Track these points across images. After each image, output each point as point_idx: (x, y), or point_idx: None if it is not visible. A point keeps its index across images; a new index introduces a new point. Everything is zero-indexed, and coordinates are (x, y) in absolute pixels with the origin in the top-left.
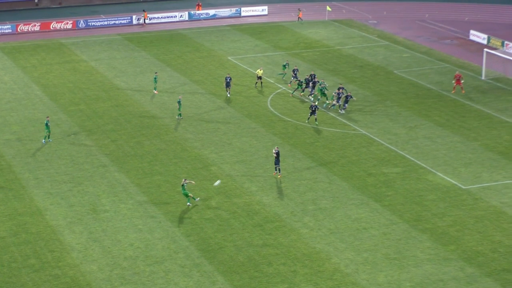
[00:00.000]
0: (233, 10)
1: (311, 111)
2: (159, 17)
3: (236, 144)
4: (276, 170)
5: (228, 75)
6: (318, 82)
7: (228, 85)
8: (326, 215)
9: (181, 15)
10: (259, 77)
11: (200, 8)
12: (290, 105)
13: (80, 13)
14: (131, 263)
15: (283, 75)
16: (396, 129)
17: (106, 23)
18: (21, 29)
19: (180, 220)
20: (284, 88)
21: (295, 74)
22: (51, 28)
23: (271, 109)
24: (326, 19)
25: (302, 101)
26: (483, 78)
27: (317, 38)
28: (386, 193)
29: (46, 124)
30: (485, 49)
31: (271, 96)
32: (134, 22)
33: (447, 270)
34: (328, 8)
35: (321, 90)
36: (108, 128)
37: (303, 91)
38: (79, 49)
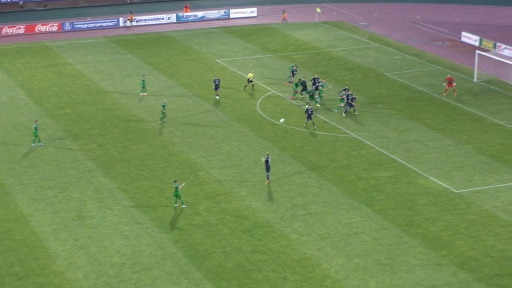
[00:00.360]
0: (222, 12)
1: (307, 115)
2: (146, 19)
3: (225, 148)
4: (268, 178)
5: (216, 78)
6: (321, 83)
7: (217, 87)
8: (317, 220)
9: (168, 17)
10: (250, 81)
11: (188, 10)
12: (279, 108)
13: (65, 16)
14: (117, 270)
15: (288, 78)
16: (387, 132)
17: (92, 25)
18: (5, 32)
19: (168, 226)
20: (273, 91)
21: (293, 75)
22: (36, 30)
23: (260, 112)
24: (316, 21)
25: (292, 105)
26: (475, 80)
27: (307, 40)
28: (377, 198)
29: (36, 128)
30: (477, 51)
31: (261, 99)
32: (121, 24)
33: (439, 276)
34: (318, 10)
35: (318, 88)
36: (94, 132)
37: (296, 93)
38: (64, 52)
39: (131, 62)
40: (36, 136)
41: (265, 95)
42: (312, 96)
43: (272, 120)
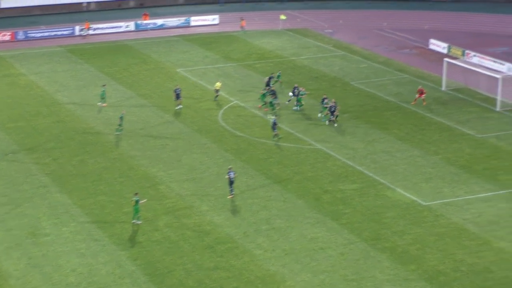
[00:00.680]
0: (182, 19)
1: (271, 126)
2: (103, 28)
3: (186, 161)
4: (231, 193)
5: (177, 87)
6: (300, 92)
7: (178, 97)
8: (281, 235)
9: (127, 25)
10: (217, 90)
11: (147, 17)
12: (242, 119)
13: (18, 24)
14: None
15: (278, 84)
16: (354, 143)
17: (46, 34)
18: None
19: (126, 243)
20: (236, 101)
21: (269, 83)
22: None
23: (223, 123)
24: (280, 28)
25: (255, 115)
26: (443, 89)
27: (271, 48)
28: (343, 211)
29: None
30: (446, 59)
31: (223, 109)
32: (77, 33)
33: None
34: (282, 17)
35: (298, 97)
36: (49, 146)
37: (265, 103)
38: (18, 62)
39: (87, 72)
40: None
41: (228, 105)
42: (272, 105)
43: (234, 131)
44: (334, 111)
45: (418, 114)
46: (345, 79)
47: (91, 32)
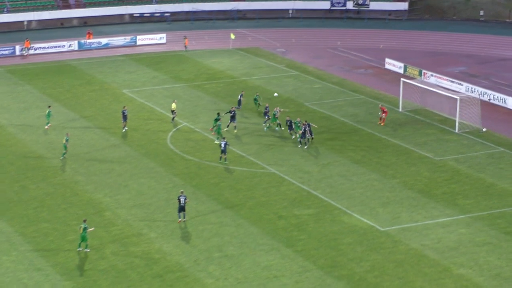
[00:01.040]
0: (128, 38)
1: (221, 149)
2: (45, 47)
3: (133, 186)
4: (180, 218)
5: (125, 108)
6: (274, 113)
7: (125, 118)
8: (233, 263)
9: (70, 45)
10: (173, 111)
11: (91, 36)
12: (192, 142)
13: None
14: None
15: (257, 106)
16: (308, 167)
17: None
18: None
19: (71, 272)
20: (185, 123)
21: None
22: None
23: (171, 146)
24: (231, 47)
25: (205, 139)
26: (400, 110)
27: (221, 68)
28: (298, 237)
29: None
30: (402, 79)
31: (171, 132)
32: (17, 52)
33: None
34: (232, 36)
35: (274, 115)
36: None
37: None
38: None
39: (29, 93)
40: None
41: (176, 128)
42: (218, 130)
43: (184, 155)
44: (308, 131)
45: (374, 136)
46: (299, 100)
47: (31, 51)
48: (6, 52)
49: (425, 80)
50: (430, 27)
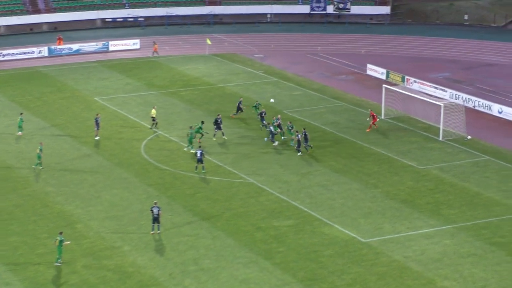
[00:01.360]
0: (100, 44)
1: (197, 158)
2: (14, 53)
3: (106, 197)
4: (153, 230)
5: (97, 115)
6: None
7: (98, 126)
8: (210, 276)
9: (39, 51)
10: (153, 118)
11: (62, 42)
12: (166, 151)
13: None
14: None
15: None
16: (287, 176)
17: None
18: None
19: (41, 287)
20: (160, 132)
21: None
22: None
23: (145, 156)
24: (207, 53)
25: (180, 147)
26: (382, 117)
27: (197, 74)
28: (277, 250)
29: None
30: (384, 85)
31: (145, 141)
32: None
33: None
34: (208, 41)
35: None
36: None
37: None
38: None
39: None
40: None
41: (150, 136)
42: (190, 139)
43: (158, 165)
44: (304, 139)
45: (356, 144)
46: (278, 107)
47: (0, 58)
48: None
49: (408, 86)
50: (413, 31)
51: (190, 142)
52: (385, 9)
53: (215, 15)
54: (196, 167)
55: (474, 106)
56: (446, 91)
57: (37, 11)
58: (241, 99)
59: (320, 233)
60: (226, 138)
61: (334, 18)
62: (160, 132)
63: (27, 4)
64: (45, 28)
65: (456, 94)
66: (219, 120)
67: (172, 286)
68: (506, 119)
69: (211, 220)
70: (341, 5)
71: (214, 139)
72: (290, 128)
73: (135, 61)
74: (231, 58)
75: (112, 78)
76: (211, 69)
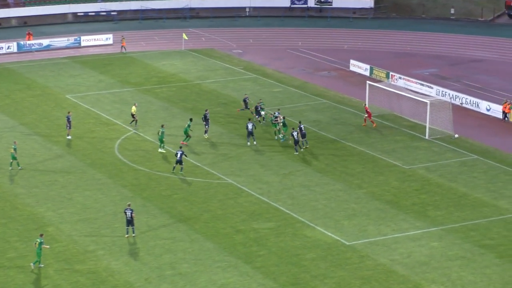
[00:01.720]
0: (72, 39)
1: (177, 159)
2: None
3: (78, 199)
4: (127, 233)
5: (69, 113)
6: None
7: (70, 125)
8: (187, 281)
9: (8, 46)
10: (133, 115)
11: (31, 37)
12: (142, 151)
13: None
14: None
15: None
16: (268, 177)
17: None
18: None
19: None
20: (134, 131)
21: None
22: None
23: (119, 156)
24: (183, 48)
25: (156, 147)
26: (366, 115)
27: (173, 71)
28: (257, 253)
29: None
30: (368, 82)
31: (119, 140)
32: None
33: None
34: (184, 36)
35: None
36: None
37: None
38: None
39: None
40: None
41: (125, 135)
42: (161, 138)
43: (133, 165)
44: (301, 134)
45: (339, 143)
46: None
47: None
48: None
49: (392, 83)
50: (397, 26)
51: (161, 142)
52: (369, 3)
53: (191, 9)
54: (174, 168)
55: (462, 103)
56: (432, 88)
57: (6, 5)
58: (247, 95)
59: (302, 235)
60: (206, 135)
61: (316, 12)
62: (134, 131)
63: None
64: (14, 22)
65: (442, 91)
66: (207, 116)
67: None
68: (494, 117)
69: (189, 223)
70: None
71: (206, 136)
72: (272, 120)
73: (108, 57)
74: (208, 54)
75: (84, 74)
76: (188, 65)
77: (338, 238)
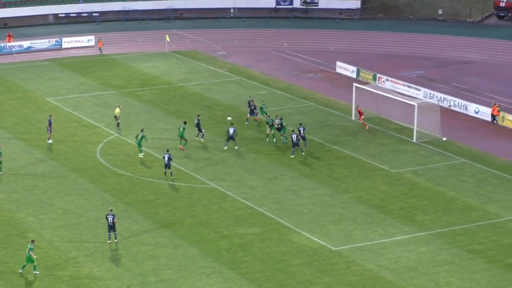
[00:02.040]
0: (53, 41)
1: (165, 163)
2: None
3: (59, 204)
4: (110, 239)
5: (51, 117)
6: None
7: (51, 128)
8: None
9: None
10: (117, 117)
11: (11, 39)
12: (124, 155)
13: None
14: None
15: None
16: (253, 181)
17: None
18: None
19: None
20: (116, 135)
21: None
22: None
23: (101, 160)
24: (166, 50)
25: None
26: (353, 118)
27: (156, 73)
28: (242, 259)
29: None
30: (355, 84)
31: (101, 144)
32: None
33: None
34: (167, 38)
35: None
36: None
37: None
38: None
39: None
40: None
41: (107, 139)
42: (139, 142)
43: (115, 169)
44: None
45: (324, 147)
46: (242, 108)
47: None
48: None
49: (379, 85)
50: (384, 27)
51: (140, 146)
52: (355, 3)
53: (175, 10)
54: (165, 173)
55: (450, 106)
56: (420, 90)
57: None
58: (251, 98)
59: (287, 241)
60: (202, 140)
61: (301, 13)
62: (116, 134)
63: None
64: None
65: (430, 93)
66: (199, 122)
67: None
68: (483, 119)
69: (172, 228)
70: None
71: (202, 140)
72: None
73: (90, 59)
74: (192, 56)
75: (65, 77)
76: (171, 67)
77: (324, 243)
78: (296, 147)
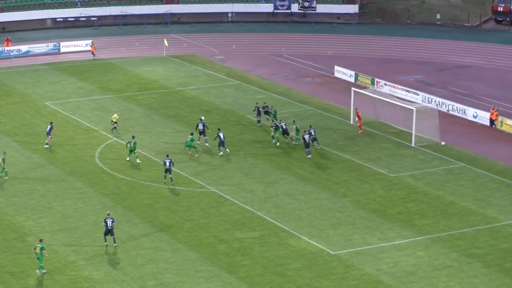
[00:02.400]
0: (51, 45)
1: (166, 168)
2: None
3: (58, 208)
4: (106, 241)
5: (51, 123)
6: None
7: (49, 133)
8: None
9: None
10: (114, 122)
11: (10, 43)
12: (123, 159)
13: None
14: None
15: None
16: (252, 185)
17: None
18: None
19: None
20: (115, 138)
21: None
22: None
23: (100, 164)
24: (164, 54)
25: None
26: (351, 122)
27: (154, 77)
28: (241, 263)
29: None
30: (353, 88)
31: (100, 148)
32: None
33: None
34: (165, 42)
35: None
36: None
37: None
38: None
39: None
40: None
41: (105, 143)
42: (131, 149)
43: (114, 173)
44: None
45: (323, 151)
46: (240, 113)
47: None
48: None
49: (378, 89)
50: (382, 31)
51: (130, 152)
52: (353, 8)
53: (172, 14)
54: (165, 177)
55: (448, 110)
56: (418, 95)
57: None
58: (257, 103)
59: (286, 245)
60: (207, 144)
61: (299, 17)
62: (115, 138)
63: None
64: None
65: (429, 98)
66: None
67: None
68: (481, 124)
69: (171, 232)
70: (306, 4)
71: (207, 144)
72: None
73: (88, 63)
74: (190, 60)
75: (63, 81)
76: (169, 71)
77: (323, 247)
78: (311, 147)
